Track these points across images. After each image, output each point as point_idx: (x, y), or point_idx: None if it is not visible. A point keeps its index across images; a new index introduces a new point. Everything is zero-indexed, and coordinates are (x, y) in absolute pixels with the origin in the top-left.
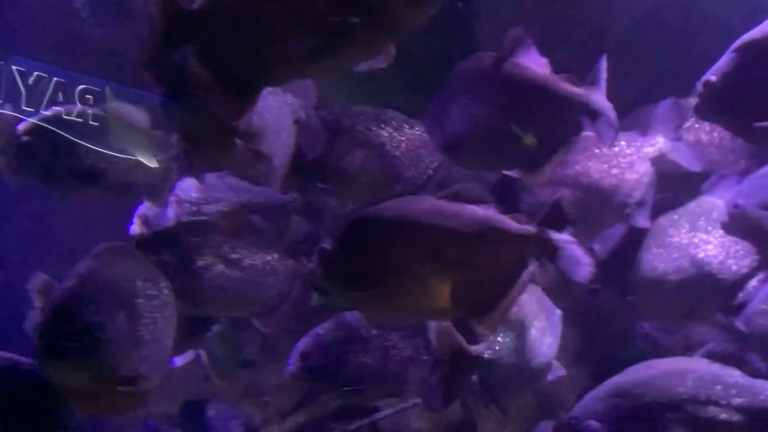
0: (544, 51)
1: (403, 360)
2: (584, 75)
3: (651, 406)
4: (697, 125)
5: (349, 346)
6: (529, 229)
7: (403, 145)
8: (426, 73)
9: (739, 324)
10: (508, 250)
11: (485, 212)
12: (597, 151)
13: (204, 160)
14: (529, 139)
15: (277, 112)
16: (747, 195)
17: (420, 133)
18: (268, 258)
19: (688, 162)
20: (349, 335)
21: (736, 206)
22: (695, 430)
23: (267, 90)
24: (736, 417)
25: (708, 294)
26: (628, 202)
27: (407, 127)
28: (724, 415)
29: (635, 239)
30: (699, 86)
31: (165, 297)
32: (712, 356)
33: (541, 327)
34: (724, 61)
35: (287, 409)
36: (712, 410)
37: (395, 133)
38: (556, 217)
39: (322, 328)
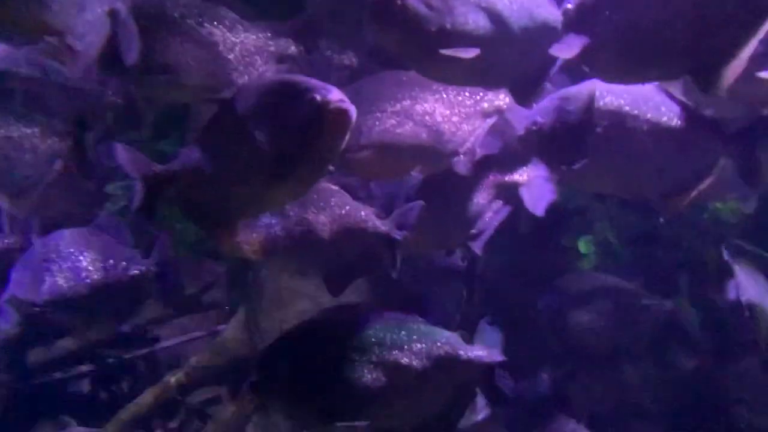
0: None
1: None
2: None
3: (341, 348)
4: None
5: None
6: None
7: (237, 48)
8: None
9: (476, 248)
10: None
11: None
12: (445, 96)
13: None
14: None
15: None
16: (546, 114)
17: (255, 37)
18: (28, 132)
19: (519, 125)
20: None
21: (535, 123)
22: (380, 373)
23: None
24: (416, 361)
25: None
26: (459, 150)
27: (241, 28)
28: (405, 359)
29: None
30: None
31: None
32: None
33: None
34: None
35: None
36: (395, 354)
37: (229, 34)
38: None
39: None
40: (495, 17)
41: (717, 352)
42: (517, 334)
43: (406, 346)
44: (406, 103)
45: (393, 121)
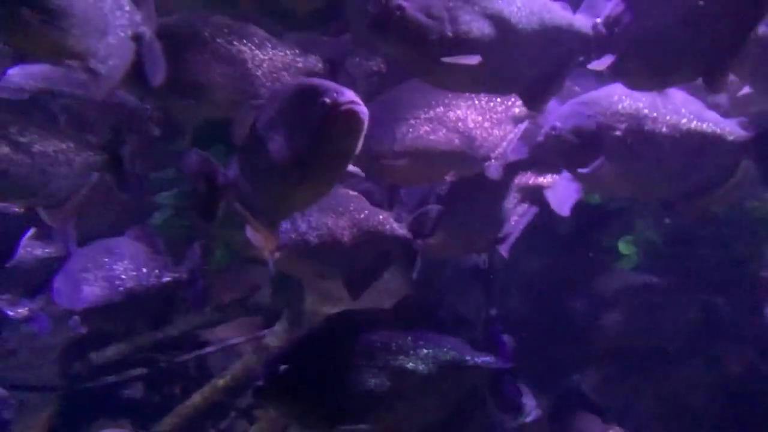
0: None
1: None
2: None
3: (348, 352)
4: None
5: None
6: None
7: (264, 64)
8: None
9: (503, 251)
10: None
11: None
12: (478, 102)
13: None
14: None
15: (96, 4)
16: (564, 119)
17: (283, 54)
18: (63, 146)
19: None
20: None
21: (554, 128)
22: (385, 377)
23: None
24: (421, 366)
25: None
26: (490, 155)
27: (270, 46)
28: (410, 364)
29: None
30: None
31: None
32: None
33: None
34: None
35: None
36: (401, 359)
37: (257, 51)
38: None
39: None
40: (502, 24)
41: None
42: (553, 335)
43: (411, 351)
44: (439, 109)
45: (426, 128)
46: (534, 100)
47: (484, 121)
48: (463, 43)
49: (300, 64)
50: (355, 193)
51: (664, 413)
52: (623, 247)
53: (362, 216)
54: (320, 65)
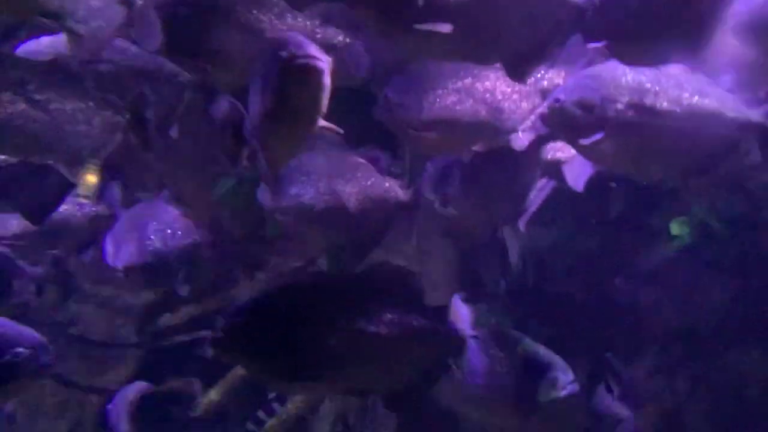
0: None
1: None
2: None
3: (311, 310)
4: None
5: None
6: None
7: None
8: None
9: (520, 225)
10: None
11: None
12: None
13: None
14: None
15: None
16: (568, 91)
17: (303, 24)
18: (82, 105)
19: None
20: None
21: (557, 100)
22: (348, 341)
23: None
24: (384, 330)
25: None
26: (517, 127)
27: (290, 16)
28: (372, 328)
29: None
30: None
31: None
32: None
33: None
34: None
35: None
36: (362, 321)
37: (276, 21)
38: None
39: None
40: None
41: None
42: (600, 315)
43: (375, 316)
44: (468, 80)
45: (454, 98)
46: (517, 70)
47: (513, 93)
48: (438, 11)
49: (320, 35)
50: (363, 161)
51: (713, 398)
52: (675, 227)
53: (369, 183)
54: (340, 38)
